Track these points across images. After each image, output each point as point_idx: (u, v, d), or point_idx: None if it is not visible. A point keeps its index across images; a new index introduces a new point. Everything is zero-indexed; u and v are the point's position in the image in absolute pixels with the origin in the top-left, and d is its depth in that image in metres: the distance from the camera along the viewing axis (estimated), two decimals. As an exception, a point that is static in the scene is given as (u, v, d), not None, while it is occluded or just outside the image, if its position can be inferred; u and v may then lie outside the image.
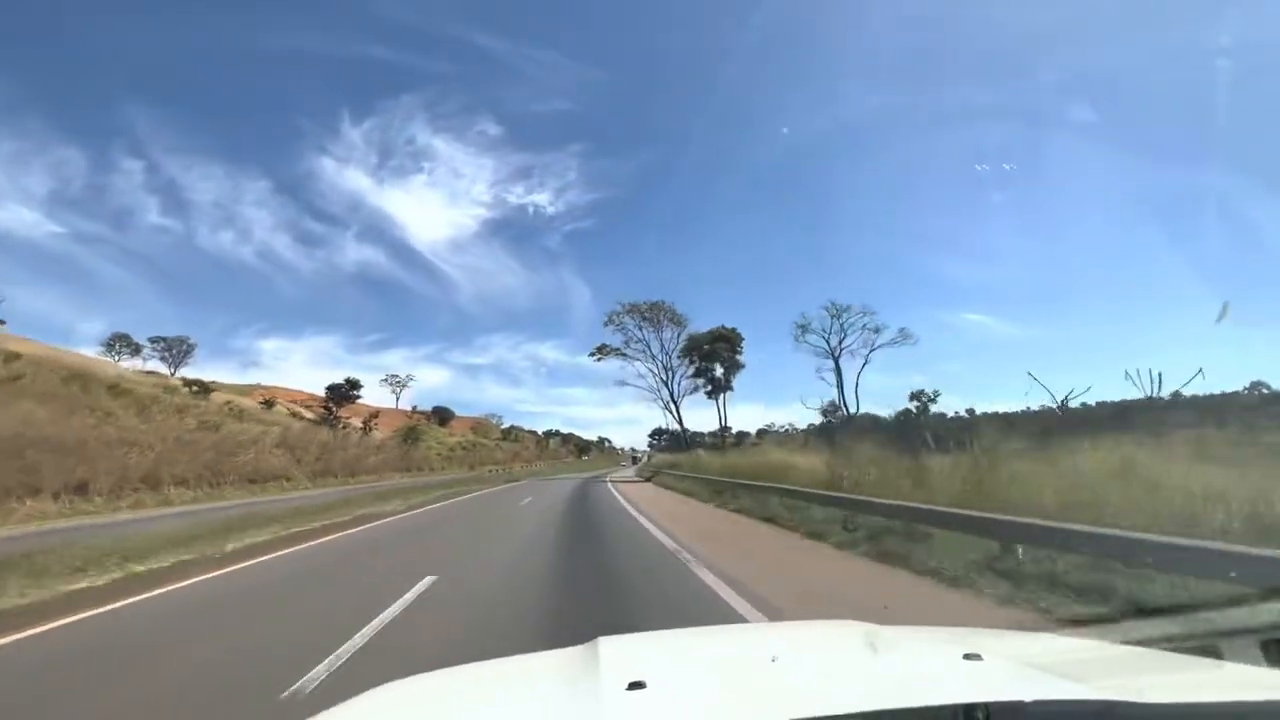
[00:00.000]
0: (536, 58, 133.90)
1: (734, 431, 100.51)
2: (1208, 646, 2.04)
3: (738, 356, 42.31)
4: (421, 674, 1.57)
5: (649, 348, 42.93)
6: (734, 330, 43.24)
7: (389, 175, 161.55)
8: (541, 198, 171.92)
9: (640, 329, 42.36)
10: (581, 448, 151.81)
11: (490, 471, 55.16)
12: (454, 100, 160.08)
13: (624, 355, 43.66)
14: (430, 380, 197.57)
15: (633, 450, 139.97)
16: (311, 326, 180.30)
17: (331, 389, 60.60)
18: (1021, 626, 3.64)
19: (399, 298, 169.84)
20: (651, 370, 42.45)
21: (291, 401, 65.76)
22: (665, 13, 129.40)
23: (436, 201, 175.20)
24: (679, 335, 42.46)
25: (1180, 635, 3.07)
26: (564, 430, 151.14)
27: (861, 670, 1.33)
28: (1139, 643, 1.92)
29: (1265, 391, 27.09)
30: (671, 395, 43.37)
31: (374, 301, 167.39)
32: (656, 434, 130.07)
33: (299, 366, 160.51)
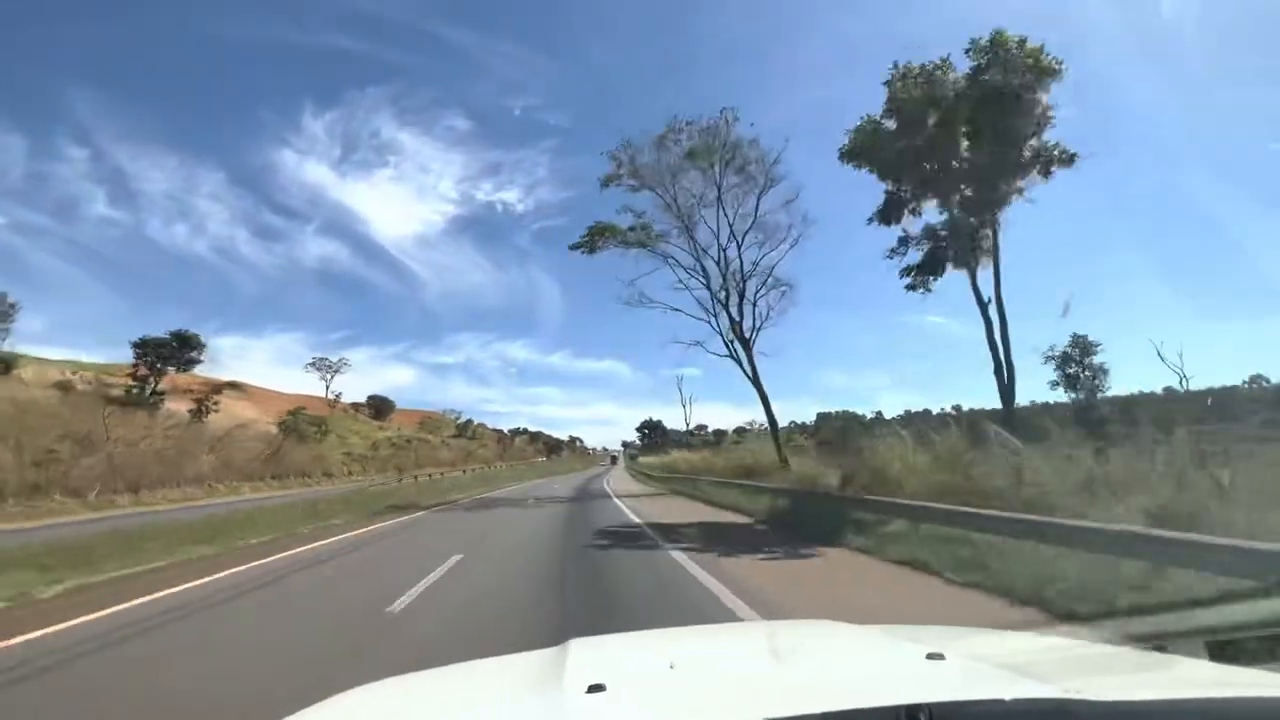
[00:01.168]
0: (507, 53, 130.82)
1: (709, 430, 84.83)
2: (1196, 645, 1.92)
3: (1042, 141, 14.41)
4: (397, 676, 1.61)
5: (686, 227, 20.00)
6: (1055, 61, 13.93)
7: (352, 169, 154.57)
8: (511, 195, 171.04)
9: (671, 190, 19.47)
10: (552, 446, 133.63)
11: (413, 480, 33.95)
12: (422, 94, 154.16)
13: (641, 245, 20.52)
14: (397, 379, 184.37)
15: (606, 449, 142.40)
16: (273, 324, 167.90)
17: (146, 347, 35.62)
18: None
19: (364, 295, 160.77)
20: (695, 275, 20.77)
21: (110, 377, 42.12)
22: (639, 10, 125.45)
23: (402, 197, 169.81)
24: (760, 196, 19.39)
25: (1174, 633, 3.01)
26: (532, 429, 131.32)
27: (824, 673, 1.35)
28: (1125, 641, 2.17)
29: (1265, 384, 22.92)
30: (735, 319, 19.92)
31: (338, 298, 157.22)
32: (648, 427, 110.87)
33: (259, 365, 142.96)
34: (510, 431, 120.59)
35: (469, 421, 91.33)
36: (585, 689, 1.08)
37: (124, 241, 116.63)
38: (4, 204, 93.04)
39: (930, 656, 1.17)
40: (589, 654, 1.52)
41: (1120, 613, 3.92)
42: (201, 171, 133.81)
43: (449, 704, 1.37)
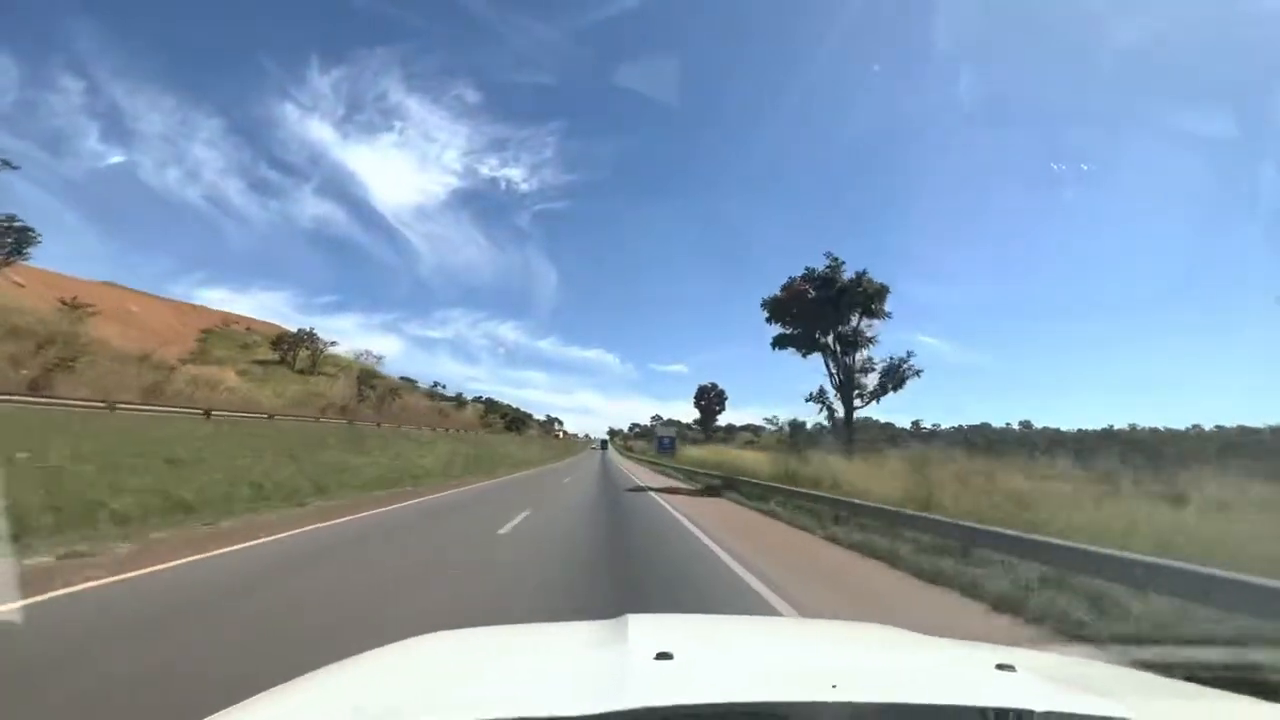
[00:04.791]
0: (522, 26, 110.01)
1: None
2: (1256, 681, 1.92)
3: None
4: (467, 628, 1.63)
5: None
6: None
7: (356, 130, 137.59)
8: (515, 173, 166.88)
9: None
10: (513, 420, 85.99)
11: None
12: (432, 60, 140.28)
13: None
14: (384, 348, 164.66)
15: (588, 437, 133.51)
16: (260, 280, 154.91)
17: None
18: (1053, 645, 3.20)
19: (356, 260, 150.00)
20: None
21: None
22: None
23: (405, 164, 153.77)
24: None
25: (1225, 665, 2.95)
26: (503, 402, 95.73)
27: (890, 665, 1.32)
28: (1183, 670, 2.02)
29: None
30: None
31: (329, 261, 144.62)
32: (705, 398, 64.03)
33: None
34: (461, 398, 74.81)
35: (302, 337, 41.56)
36: (653, 655, 1.07)
37: (114, 180, 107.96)
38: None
39: (1000, 667, 1.14)
40: (649, 627, 1.50)
41: (1207, 642, 3.74)
42: (199, 116, 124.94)
43: (525, 656, 1.38)
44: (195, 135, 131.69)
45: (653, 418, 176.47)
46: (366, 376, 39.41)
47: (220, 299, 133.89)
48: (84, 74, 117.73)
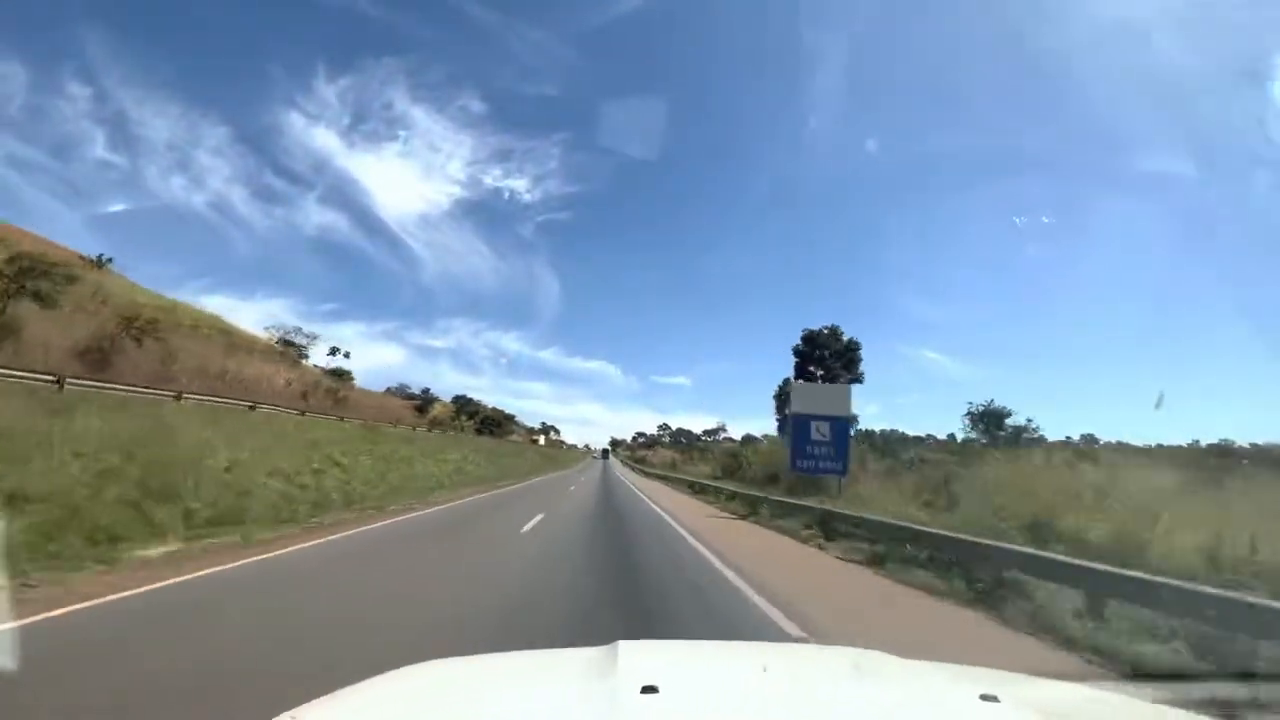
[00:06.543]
0: (528, 37, 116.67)
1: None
2: (1238, 715, 1.88)
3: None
4: (450, 658, 1.59)
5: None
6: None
7: (361, 139, 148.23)
8: (519, 184, 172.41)
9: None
10: (486, 421, 63.32)
11: None
12: (438, 70, 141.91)
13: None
14: (386, 357, 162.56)
15: (589, 447, 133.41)
16: (263, 287, 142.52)
17: None
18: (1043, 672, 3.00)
19: (359, 268, 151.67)
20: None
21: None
22: (662, 12, 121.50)
23: (409, 173, 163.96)
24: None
25: (1214, 701, 2.95)
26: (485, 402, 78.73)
27: (872, 696, 1.31)
28: (1175, 703, 1.95)
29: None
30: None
31: (332, 269, 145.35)
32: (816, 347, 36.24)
33: (245, 327, 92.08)
34: (426, 394, 55.67)
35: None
36: (639, 689, 1.07)
37: (119, 187, 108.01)
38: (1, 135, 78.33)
39: (984, 698, 1.12)
40: (638, 656, 1.46)
41: (1196, 675, 3.65)
42: (205, 124, 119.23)
43: (511, 688, 1.35)
44: (201, 143, 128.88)
45: (659, 426, 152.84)
46: (120, 316, 15.44)
47: (223, 305, 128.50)
48: (91, 80, 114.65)
